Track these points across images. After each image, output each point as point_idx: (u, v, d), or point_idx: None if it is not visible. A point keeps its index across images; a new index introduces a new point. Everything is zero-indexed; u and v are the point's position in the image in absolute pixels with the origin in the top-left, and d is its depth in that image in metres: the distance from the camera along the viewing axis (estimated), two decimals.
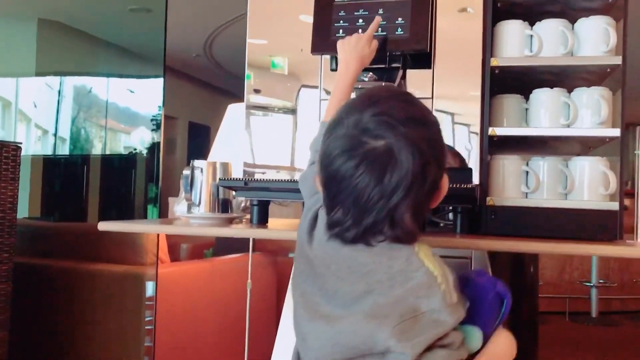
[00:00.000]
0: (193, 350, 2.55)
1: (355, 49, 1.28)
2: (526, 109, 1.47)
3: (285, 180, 1.43)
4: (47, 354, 2.48)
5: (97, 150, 5.02)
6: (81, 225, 3.07)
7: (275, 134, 1.60)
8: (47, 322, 2.49)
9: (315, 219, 1.01)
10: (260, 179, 1.47)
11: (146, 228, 1.47)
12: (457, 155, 1.46)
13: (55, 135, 4.82)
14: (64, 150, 4.82)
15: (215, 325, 2.68)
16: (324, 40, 1.43)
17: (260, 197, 1.49)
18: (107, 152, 4.91)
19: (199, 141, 7.35)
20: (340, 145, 0.87)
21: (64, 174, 4.48)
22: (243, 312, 2.32)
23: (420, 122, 0.89)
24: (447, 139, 1.46)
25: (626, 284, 5.52)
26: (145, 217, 4.07)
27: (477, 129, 1.43)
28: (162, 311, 2.35)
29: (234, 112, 2.43)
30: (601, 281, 5.25)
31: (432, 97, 1.46)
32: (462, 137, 1.45)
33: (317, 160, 0.94)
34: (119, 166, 4.76)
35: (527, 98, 1.47)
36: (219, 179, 1.50)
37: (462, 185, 1.30)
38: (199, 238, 3.40)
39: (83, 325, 2.44)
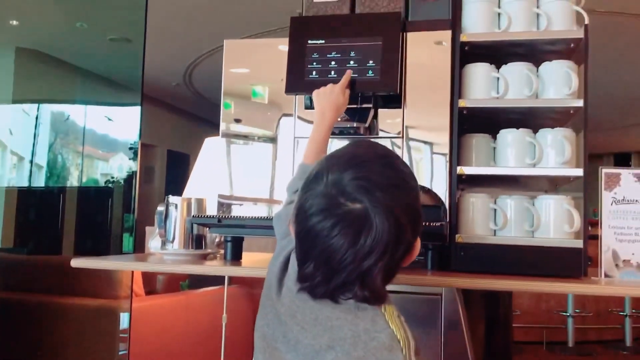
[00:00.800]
0: None
1: (330, 98, 1.31)
2: (494, 148, 1.52)
3: (258, 217, 1.45)
4: None
5: (74, 177, 4.99)
6: (54, 258, 3.04)
7: (254, 163, 1.62)
8: (20, 356, 2.46)
9: (286, 263, 1.01)
10: (234, 216, 1.48)
11: (119, 265, 1.47)
12: (430, 192, 1.50)
13: (31, 162, 4.79)
14: (40, 177, 4.77)
15: (191, 358, 2.66)
16: (298, 81, 1.47)
17: (234, 234, 1.50)
18: (85, 179, 4.88)
19: (178, 169, 7.33)
20: (318, 204, 0.87)
21: (39, 204, 4.43)
22: (218, 345, 2.31)
23: (398, 188, 0.89)
24: (419, 177, 1.49)
25: (602, 313, 5.57)
26: (121, 247, 4.03)
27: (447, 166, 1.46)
28: (137, 344, 2.33)
29: (210, 145, 2.45)
30: (577, 311, 5.30)
31: (403, 136, 1.50)
32: (434, 173, 1.49)
33: (293, 210, 0.94)
34: (95, 196, 4.73)
35: (495, 136, 1.51)
36: (193, 215, 1.51)
37: (432, 224, 1.33)
38: None
39: (56, 359, 2.40)
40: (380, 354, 0.86)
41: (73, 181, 4.86)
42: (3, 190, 3.92)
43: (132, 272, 2.48)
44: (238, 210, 1.60)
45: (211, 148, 2.43)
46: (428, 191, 1.50)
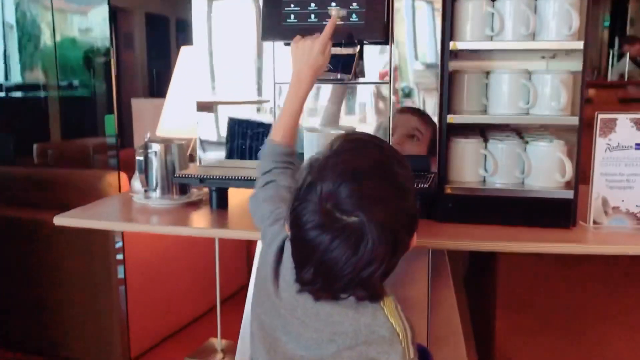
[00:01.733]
0: (163, 290, 2.62)
1: (309, 57, 1.19)
2: (486, 84, 1.43)
3: (242, 178, 1.40)
4: (19, 302, 2.53)
5: (46, 35, 4.70)
6: (42, 171, 3.00)
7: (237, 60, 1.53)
8: (17, 271, 2.52)
9: (281, 250, 1.01)
10: (216, 176, 1.43)
11: (106, 225, 1.45)
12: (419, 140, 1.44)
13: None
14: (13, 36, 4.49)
15: (186, 263, 2.75)
16: (275, 26, 1.34)
17: (218, 185, 1.46)
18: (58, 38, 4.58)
19: (159, 35, 7.04)
20: (314, 220, 0.87)
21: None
22: (213, 253, 2.36)
23: (394, 199, 0.89)
24: (409, 124, 1.43)
25: None
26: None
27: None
28: (132, 252, 2.37)
29: (187, 54, 2.32)
30: None
31: (391, 82, 1.41)
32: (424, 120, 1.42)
33: (286, 215, 0.94)
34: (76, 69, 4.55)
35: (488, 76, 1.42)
36: (173, 176, 1.46)
37: (420, 185, 1.29)
38: None
39: (51, 272, 2.45)
40: (380, 347, 0.91)
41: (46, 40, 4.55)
42: None
43: (119, 183, 2.47)
44: (223, 114, 1.56)
45: (188, 58, 2.30)
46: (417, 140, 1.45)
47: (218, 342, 2.54)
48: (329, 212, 0.86)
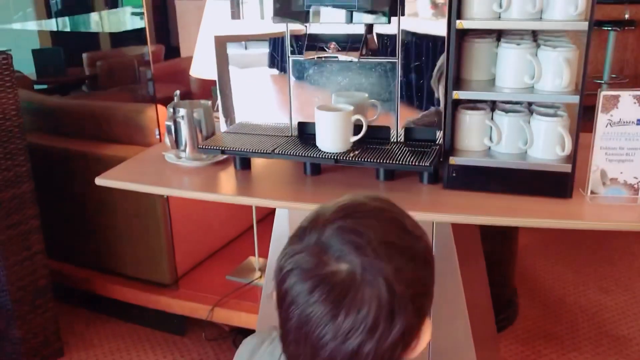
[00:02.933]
0: (204, 212, 2.83)
1: None
2: (496, 53, 1.46)
3: (261, 151, 1.51)
4: (77, 225, 2.80)
5: None
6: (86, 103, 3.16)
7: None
8: (76, 198, 2.76)
9: None
10: (238, 148, 1.55)
11: (142, 187, 1.60)
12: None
13: None
14: None
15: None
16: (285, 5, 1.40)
17: (239, 155, 1.59)
18: None
19: None
20: (296, 261, 0.70)
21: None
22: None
23: (399, 251, 0.71)
24: (415, 99, 1.49)
25: None
26: None
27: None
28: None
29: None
30: (613, 76, 5.25)
31: (398, 58, 1.46)
32: (431, 94, 1.48)
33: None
34: None
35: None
36: (198, 147, 1.59)
37: (419, 163, 1.38)
38: None
39: (104, 199, 2.68)
40: None
41: None
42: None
43: (158, 120, 2.63)
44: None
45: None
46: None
47: (256, 260, 2.78)
48: (315, 254, 0.70)
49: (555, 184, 1.42)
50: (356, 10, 1.38)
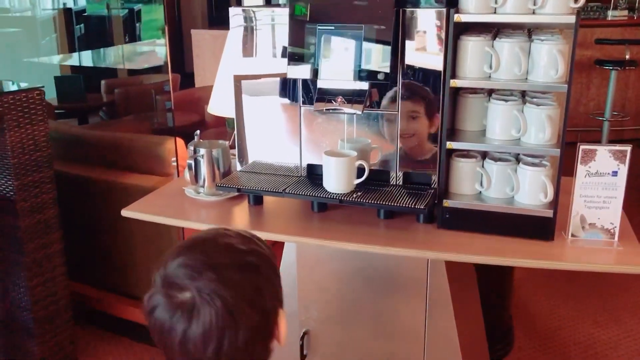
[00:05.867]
0: None
1: None
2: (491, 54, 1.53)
3: (274, 190, 1.67)
4: (97, 249, 2.96)
5: None
6: (107, 134, 3.34)
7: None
8: (93, 223, 2.92)
9: None
10: (252, 187, 1.71)
11: (165, 220, 1.76)
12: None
13: None
14: None
15: None
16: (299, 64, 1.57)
17: (253, 193, 1.75)
18: None
19: None
20: (155, 300, 0.89)
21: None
22: None
23: (227, 268, 0.88)
24: (412, 151, 1.65)
25: None
26: None
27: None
28: None
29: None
30: (615, 113, 5.40)
31: (398, 110, 1.62)
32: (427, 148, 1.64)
33: None
34: None
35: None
36: (217, 185, 1.75)
37: (416, 206, 1.54)
38: None
39: (122, 225, 2.84)
40: None
41: None
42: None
43: (176, 151, 2.79)
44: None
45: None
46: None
47: None
48: (165, 293, 0.87)
49: (538, 227, 1.57)
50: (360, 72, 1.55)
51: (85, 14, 4.62)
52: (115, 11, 4.57)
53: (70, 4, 4.65)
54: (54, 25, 4.61)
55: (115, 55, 4.52)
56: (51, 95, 4.35)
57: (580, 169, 1.54)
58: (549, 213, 1.55)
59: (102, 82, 4.53)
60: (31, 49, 4.51)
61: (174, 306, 0.86)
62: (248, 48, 1.77)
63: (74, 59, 4.79)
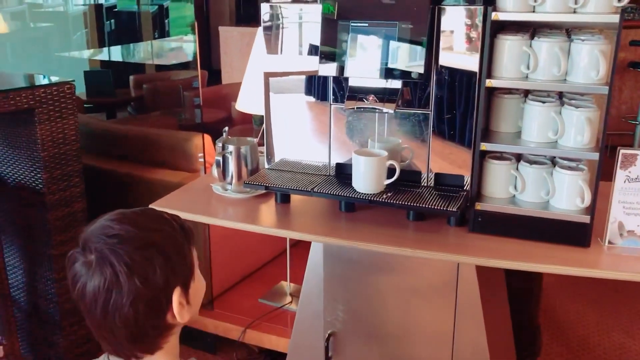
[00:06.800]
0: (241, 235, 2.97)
1: None
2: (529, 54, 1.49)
3: (302, 189, 1.65)
4: None
5: None
6: (135, 128, 3.35)
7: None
8: None
9: None
10: (279, 185, 1.68)
11: (192, 217, 1.75)
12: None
13: None
14: None
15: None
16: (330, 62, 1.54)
17: (280, 192, 1.73)
18: None
19: None
20: (72, 257, 1.03)
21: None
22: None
23: (129, 240, 1.00)
24: (447, 149, 1.61)
25: None
26: None
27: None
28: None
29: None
30: None
31: (431, 111, 1.59)
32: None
33: None
34: None
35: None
36: (244, 182, 1.73)
37: (446, 208, 1.50)
38: None
39: None
40: None
41: None
42: None
43: (204, 146, 2.79)
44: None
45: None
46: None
47: (287, 285, 2.91)
48: (80, 251, 1.01)
49: (574, 233, 1.52)
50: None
51: (116, 9, 4.65)
52: (145, 7, 4.60)
53: (101, 0, 4.69)
54: (84, 20, 4.66)
55: (144, 51, 4.55)
56: (80, 90, 4.39)
57: (620, 174, 1.49)
58: (586, 219, 1.50)
59: (131, 77, 4.56)
60: (62, 44, 4.55)
61: (80, 264, 1.00)
62: (277, 45, 1.75)
63: (103, 54, 4.84)
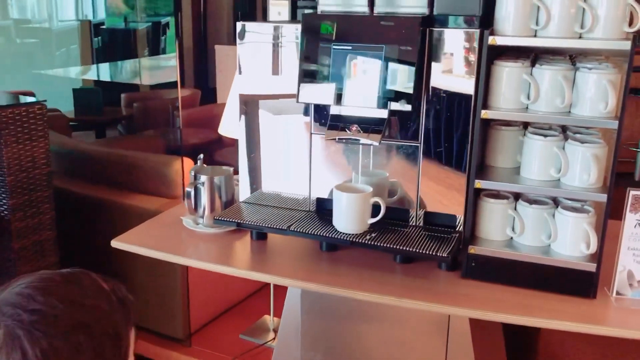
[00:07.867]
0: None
1: None
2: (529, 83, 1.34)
3: (276, 227, 1.49)
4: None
5: None
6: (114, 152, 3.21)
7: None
8: (93, 244, 2.77)
9: None
10: (252, 222, 1.53)
11: (157, 254, 1.59)
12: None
13: None
14: None
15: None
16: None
17: (254, 229, 1.57)
18: None
19: None
20: None
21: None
22: None
23: (50, 319, 0.79)
24: (436, 187, 1.46)
25: None
26: None
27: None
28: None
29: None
30: None
31: (420, 143, 1.44)
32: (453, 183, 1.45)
33: None
34: None
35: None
36: (214, 218, 1.57)
37: (436, 253, 1.34)
38: None
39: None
40: None
41: None
42: None
43: (183, 175, 2.64)
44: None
45: None
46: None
47: (271, 320, 2.74)
48: None
49: (578, 282, 1.36)
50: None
51: (104, 26, 4.55)
52: (133, 24, 4.48)
53: (90, 17, 4.59)
54: (74, 36, 4.54)
55: (131, 70, 4.43)
56: (69, 108, 4.26)
57: (630, 218, 1.34)
58: (592, 267, 1.34)
59: (122, 95, 4.44)
60: (46, 61, 4.43)
61: None
62: (256, 65, 1.60)
63: (92, 72, 4.72)
